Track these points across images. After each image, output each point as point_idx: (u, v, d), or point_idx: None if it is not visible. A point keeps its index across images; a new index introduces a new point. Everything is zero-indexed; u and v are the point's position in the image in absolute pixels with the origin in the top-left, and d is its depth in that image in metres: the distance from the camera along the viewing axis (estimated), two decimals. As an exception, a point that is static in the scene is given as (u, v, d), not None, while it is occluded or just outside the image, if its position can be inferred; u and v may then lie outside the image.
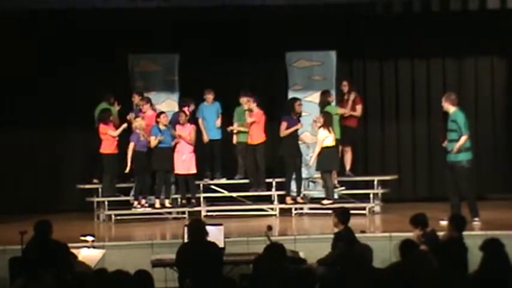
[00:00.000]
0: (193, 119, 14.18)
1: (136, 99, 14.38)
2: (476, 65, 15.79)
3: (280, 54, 14.80)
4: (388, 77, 15.88)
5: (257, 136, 14.04)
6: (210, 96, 14.39)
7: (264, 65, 15.75)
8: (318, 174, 13.88)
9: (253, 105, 14.08)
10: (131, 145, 13.65)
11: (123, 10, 13.28)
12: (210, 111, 14.40)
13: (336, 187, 13.99)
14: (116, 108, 14.57)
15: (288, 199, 13.83)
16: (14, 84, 14.84)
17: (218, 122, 14.37)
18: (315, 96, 14.50)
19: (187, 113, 13.99)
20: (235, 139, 14.39)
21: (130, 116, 14.15)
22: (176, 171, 13.79)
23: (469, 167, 12.14)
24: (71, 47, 14.87)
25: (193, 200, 13.87)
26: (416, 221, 9.78)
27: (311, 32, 14.77)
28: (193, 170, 13.83)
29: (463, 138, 12.02)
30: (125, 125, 14.05)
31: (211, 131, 14.37)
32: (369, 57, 15.77)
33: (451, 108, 12.22)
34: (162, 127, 13.73)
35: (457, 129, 12.05)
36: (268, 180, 14.06)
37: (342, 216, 10.06)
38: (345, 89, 14.49)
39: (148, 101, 14.23)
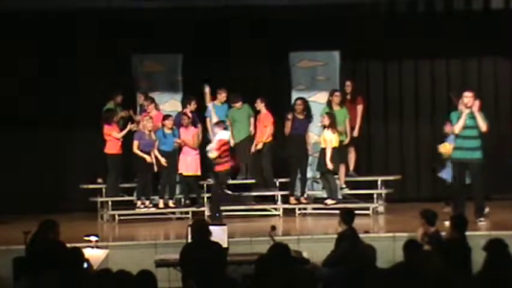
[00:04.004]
0: (199, 118, 14.17)
1: (141, 99, 14.40)
2: (480, 65, 15.78)
3: (283, 54, 14.81)
4: (392, 77, 15.86)
5: (262, 136, 14.06)
6: (223, 96, 14.36)
7: (268, 65, 15.74)
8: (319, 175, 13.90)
9: (262, 106, 14.12)
10: (135, 144, 13.66)
11: (127, 10, 13.28)
12: (220, 112, 14.39)
13: (342, 188, 13.99)
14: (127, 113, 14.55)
15: (292, 199, 13.83)
16: (17, 83, 14.83)
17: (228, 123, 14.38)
18: (319, 97, 14.53)
19: (190, 115, 13.95)
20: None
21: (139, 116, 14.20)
22: (180, 172, 13.79)
23: (483, 164, 12.13)
24: (74, 47, 14.87)
25: (200, 200, 13.85)
26: (424, 214, 9.79)
27: (314, 32, 14.76)
28: (198, 173, 13.83)
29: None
30: (130, 126, 14.06)
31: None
32: (372, 57, 15.75)
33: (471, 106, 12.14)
34: (167, 131, 13.76)
35: (477, 126, 11.97)
36: (271, 180, 14.11)
37: (345, 216, 10.07)
38: (348, 89, 14.48)
39: (153, 101, 14.25)
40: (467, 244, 9.29)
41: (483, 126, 12.00)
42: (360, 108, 14.49)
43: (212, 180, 13.51)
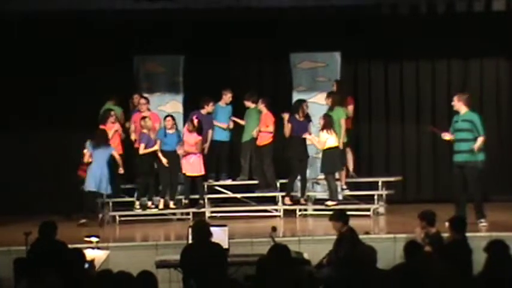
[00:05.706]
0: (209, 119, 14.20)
1: (137, 100, 14.38)
2: (481, 66, 15.78)
3: (284, 55, 14.81)
4: (393, 78, 15.85)
5: (264, 137, 14.08)
6: (228, 97, 14.34)
7: (269, 66, 15.75)
8: (322, 176, 13.89)
9: (262, 106, 14.12)
10: (142, 146, 13.66)
11: (129, 11, 13.27)
12: (223, 112, 14.38)
13: (343, 189, 13.99)
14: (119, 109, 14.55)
15: (287, 199, 13.81)
16: (18, 85, 14.82)
17: (230, 125, 14.36)
18: (319, 98, 14.53)
19: (195, 123, 13.86)
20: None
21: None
22: (184, 172, 13.77)
23: (481, 167, 12.09)
24: (75, 47, 14.86)
25: (201, 201, 13.85)
26: (423, 216, 9.81)
27: (315, 33, 14.76)
28: (202, 172, 13.81)
29: (481, 139, 11.93)
30: (116, 127, 13.99)
31: (221, 132, 14.35)
32: (373, 58, 15.75)
33: (463, 108, 12.13)
34: (168, 131, 13.76)
35: (472, 129, 11.94)
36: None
37: (342, 217, 10.08)
38: (333, 89, 14.38)
39: (148, 101, 14.24)
40: (468, 245, 9.29)
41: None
42: (350, 108, 14.46)
43: None
